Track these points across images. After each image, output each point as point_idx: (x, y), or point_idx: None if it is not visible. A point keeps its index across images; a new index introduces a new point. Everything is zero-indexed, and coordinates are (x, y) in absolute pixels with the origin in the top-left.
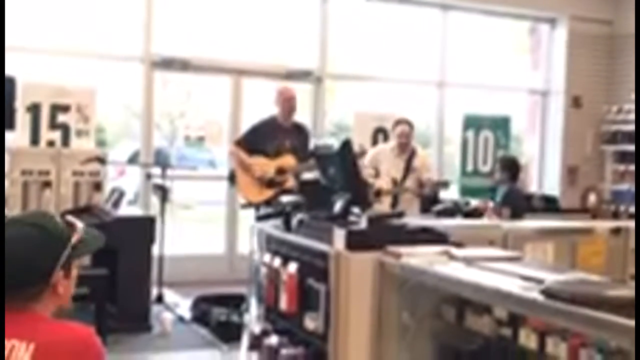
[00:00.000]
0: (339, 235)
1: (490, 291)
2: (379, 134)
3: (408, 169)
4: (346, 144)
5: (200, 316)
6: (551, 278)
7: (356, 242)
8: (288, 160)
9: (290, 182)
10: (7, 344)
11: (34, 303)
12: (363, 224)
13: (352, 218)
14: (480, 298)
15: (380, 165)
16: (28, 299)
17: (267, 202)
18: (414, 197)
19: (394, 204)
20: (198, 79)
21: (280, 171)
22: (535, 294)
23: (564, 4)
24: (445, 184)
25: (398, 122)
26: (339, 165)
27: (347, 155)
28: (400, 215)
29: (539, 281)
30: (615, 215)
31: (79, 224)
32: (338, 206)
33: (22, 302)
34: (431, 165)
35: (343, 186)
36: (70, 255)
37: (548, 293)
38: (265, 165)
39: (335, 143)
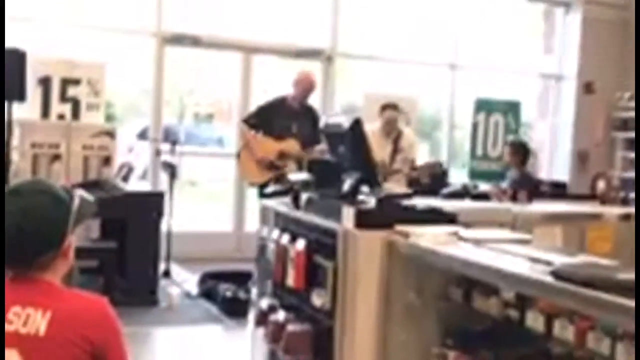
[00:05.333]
0: (348, 214)
1: (499, 272)
2: None
3: (395, 150)
4: (357, 123)
5: (207, 292)
6: (561, 260)
7: (365, 220)
8: (291, 145)
9: (291, 167)
10: (22, 313)
11: (47, 270)
12: (372, 203)
13: (361, 197)
14: (489, 279)
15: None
16: (42, 267)
17: (265, 185)
18: (403, 178)
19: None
20: (208, 56)
21: (282, 155)
22: (544, 276)
23: None
24: (439, 166)
25: (385, 107)
26: (349, 144)
27: (357, 133)
28: (410, 195)
29: (549, 263)
30: (625, 202)
31: (75, 190)
32: (347, 185)
33: (36, 271)
34: (417, 144)
35: (352, 165)
36: (76, 220)
37: (558, 275)
38: (268, 147)
39: (345, 121)
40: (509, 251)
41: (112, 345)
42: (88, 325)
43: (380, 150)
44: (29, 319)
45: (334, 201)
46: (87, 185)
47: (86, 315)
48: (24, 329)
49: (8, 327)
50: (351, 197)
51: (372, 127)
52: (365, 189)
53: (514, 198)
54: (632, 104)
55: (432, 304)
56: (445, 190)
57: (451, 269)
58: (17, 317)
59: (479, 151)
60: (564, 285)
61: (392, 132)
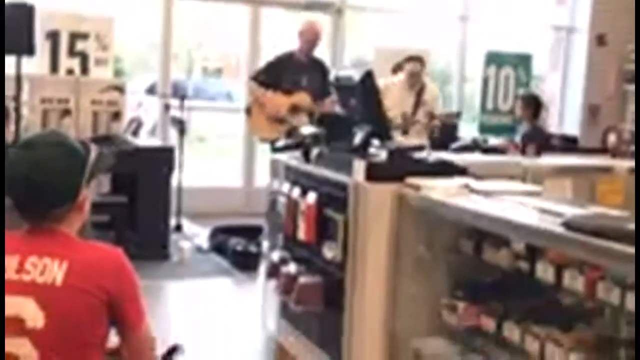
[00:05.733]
0: (359, 167)
1: (509, 223)
2: (399, 68)
3: (418, 102)
4: (368, 75)
5: (218, 246)
6: (571, 212)
7: (376, 173)
8: (303, 98)
9: (304, 121)
10: (39, 263)
11: (62, 222)
12: (383, 155)
13: (372, 150)
14: (499, 230)
15: (389, 99)
16: (57, 219)
17: (276, 140)
18: (424, 129)
19: (404, 135)
20: (216, 9)
21: (294, 109)
22: (555, 227)
23: None
24: (457, 115)
25: (409, 59)
26: (360, 97)
27: (368, 86)
28: (421, 148)
29: (559, 214)
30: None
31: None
32: (358, 138)
33: (51, 223)
34: (439, 98)
35: (364, 118)
36: (92, 172)
37: (569, 225)
38: (279, 102)
39: (356, 74)
40: (519, 203)
41: (128, 295)
42: (104, 275)
43: (402, 103)
44: (45, 269)
45: (345, 154)
46: (97, 140)
47: (102, 265)
48: (40, 278)
49: (25, 277)
50: (362, 150)
51: (395, 79)
52: (376, 142)
53: (523, 151)
54: None
55: (442, 256)
56: (455, 145)
57: (461, 221)
58: (34, 267)
59: (490, 105)
60: (575, 235)
61: (415, 84)
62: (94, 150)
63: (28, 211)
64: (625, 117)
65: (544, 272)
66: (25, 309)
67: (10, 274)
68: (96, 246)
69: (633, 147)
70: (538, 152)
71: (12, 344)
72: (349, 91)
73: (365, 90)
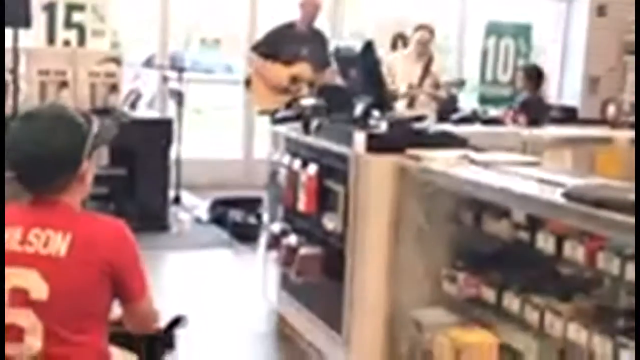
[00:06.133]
0: (359, 138)
1: (511, 194)
2: (399, 39)
3: (425, 73)
4: (369, 46)
5: (217, 218)
6: (572, 182)
7: (376, 144)
8: (303, 69)
9: (305, 91)
10: (42, 235)
11: (64, 194)
12: (383, 127)
13: (372, 121)
14: (501, 201)
15: (396, 71)
16: (59, 191)
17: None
18: (430, 100)
19: (410, 106)
20: None
21: (295, 80)
22: (557, 197)
23: None
24: (462, 83)
25: (418, 28)
26: (361, 68)
27: (369, 57)
28: (421, 119)
29: (560, 185)
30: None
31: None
32: (358, 109)
33: (53, 194)
34: (448, 70)
35: (364, 89)
36: (94, 144)
37: (570, 195)
38: (280, 73)
39: (357, 45)
40: (519, 173)
41: (131, 267)
42: (107, 247)
43: (409, 73)
44: (49, 241)
45: (345, 126)
46: (94, 112)
47: (105, 237)
48: (44, 250)
49: (28, 249)
50: (362, 121)
51: (403, 52)
52: (376, 113)
53: (514, 121)
54: None
55: (443, 227)
56: (454, 116)
57: (462, 191)
58: (37, 239)
59: (489, 76)
60: (576, 205)
61: (423, 54)
62: (95, 122)
63: (30, 183)
64: (625, 88)
65: (545, 242)
66: (29, 280)
67: (13, 245)
68: (99, 218)
69: (632, 118)
70: (533, 122)
71: (17, 316)
72: (349, 62)
73: (366, 61)
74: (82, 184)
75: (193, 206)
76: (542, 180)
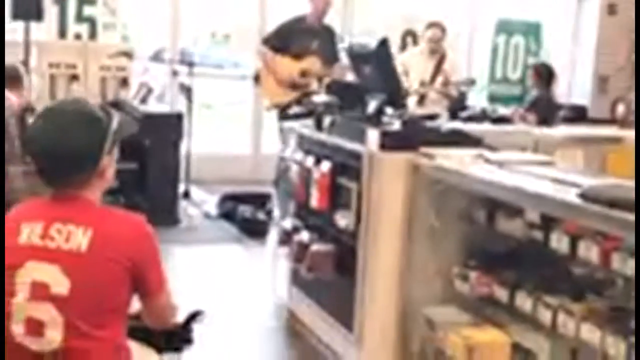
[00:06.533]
0: (373, 136)
1: (526, 193)
2: (408, 37)
3: (437, 71)
4: (383, 43)
5: (226, 213)
6: (587, 182)
7: (390, 142)
8: (313, 63)
9: (314, 85)
10: (64, 230)
11: (85, 189)
12: (397, 124)
13: (385, 119)
14: (515, 200)
15: (410, 69)
16: (80, 186)
17: (288, 106)
18: (441, 97)
19: (420, 103)
20: None
21: (304, 74)
22: (572, 197)
23: None
24: (472, 82)
25: (430, 25)
26: (375, 65)
27: (384, 54)
28: (434, 117)
29: (575, 185)
30: None
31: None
32: (372, 106)
33: (74, 189)
34: (459, 68)
35: (378, 86)
36: (114, 140)
37: (586, 196)
38: (289, 67)
39: (371, 42)
40: (533, 173)
41: (150, 263)
42: (128, 242)
43: (421, 71)
44: (70, 236)
45: (358, 123)
46: (105, 105)
47: (127, 233)
48: (66, 245)
49: (50, 243)
50: (376, 119)
51: (415, 50)
52: (389, 110)
53: (523, 119)
54: None
55: (456, 225)
56: (464, 114)
57: (476, 190)
58: (59, 234)
59: (499, 74)
60: (591, 206)
61: (436, 51)
62: (116, 117)
63: (51, 178)
64: (632, 87)
65: (558, 242)
66: (50, 274)
67: (35, 239)
68: (120, 213)
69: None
70: (542, 121)
71: (37, 310)
72: (363, 59)
73: (380, 58)
74: (102, 179)
75: (202, 201)
76: (556, 180)
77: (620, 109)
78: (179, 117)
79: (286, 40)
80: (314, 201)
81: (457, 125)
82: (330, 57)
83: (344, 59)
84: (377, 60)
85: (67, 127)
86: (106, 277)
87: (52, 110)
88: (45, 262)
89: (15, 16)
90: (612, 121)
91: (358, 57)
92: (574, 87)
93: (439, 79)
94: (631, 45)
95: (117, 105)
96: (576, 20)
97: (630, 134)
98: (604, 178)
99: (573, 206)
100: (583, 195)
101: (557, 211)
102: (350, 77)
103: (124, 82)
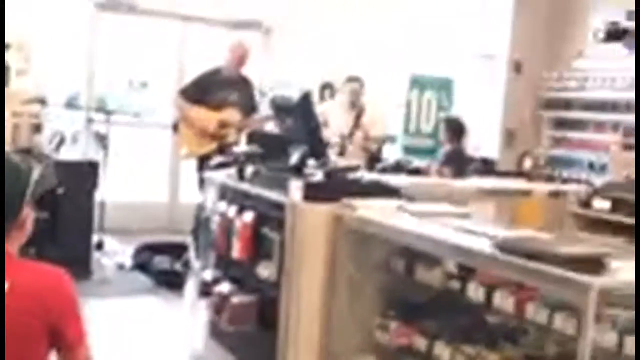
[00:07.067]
0: (296, 186)
1: (444, 244)
2: (326, 89)
3: (356, 124)
4: (306, 97)
5: (142, 264)
6: (501, 234)
7: (312, 193)
8: (231, 114)
9: (232, 137)
10: None
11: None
12: (320, 175)
13: (307, 170)
14: (434, 251)
15: (329, 120)
16: None
17: (207, 156)
18: (360, 151)
19: (340, 155)
20: (144, 23)
21: (223, 125)
22: (488, 248)
23: None
24: (391, 139)
25: (349, 80)
26: (298, 117)
27: (306, 107)
28: (356, 169)
29: (490, 236)
30: (550, 179)
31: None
32: (295, 157)
33: None
34: (380, 121)
35: (300, 137)
36: (34, 192)
37: (501, 247)
38: (208, 118)
39: (294, 95)
40: (451, 224)
41: (69, 315)
42: (46, 296)
43: (340, 123)
44: None
45: (281, 173)
46: (17, 153)
47: (45, 285)
48: None
49: None
50: (298, 169)
51: (335, 102)
52: (311, 162)
53: (440, 173)
54: (560, 84)
55: (377, 275)
56: (379, 165)
57: (396, 240)
58: None
59: (412, 127)
60: (507, 257)
61: (355, 105)
62: (36, 169)
63: None
64: (540, 141)
65: (475, 291)
66: None
67: None
68: (37, 265)
69: (548, 171)
70: (457, 175)
71: None
72: (286, 111)
73: (303, 111)
74: (21, 230)
75: (116, 252)
76: (472, 231)
77: (528, 162)
78: (93, 165)
79: (204, 91)
80: (236, 252)
81: (377, 176)
82: (248, 108)
83: (262, 109)
84: (300, 113)
85: None
86: (23, 330)
87: None
88: None
89: None
90: (519, 174)
91: (281, 109)
92: (483, 140)
93: (358, 133)
94: (536, 101)
95: (29, 152)
96: (485, 77)
97: (537, 186)
98: (517, 229)
99: (490, 257)
100: (499, 246)
101: (475, 262)
102: (268, 127)
103: (37, 129)
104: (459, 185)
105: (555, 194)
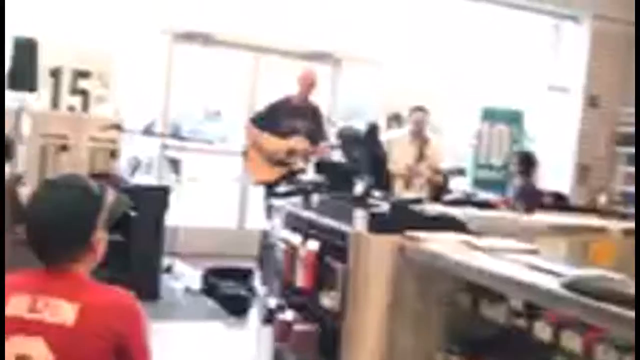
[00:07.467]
0: (361, 217)
1: (511, 281)
2: (393, 120)
3: (421, 155)
4: (373, 128)
5: (209, 288)
6: (571, 272)
7: (377, 224)
8: (299, 142)
9: (300, 165)
10: (51, 303)
11: (76, 263)
12: (385, 207)
13: (373, 201)
14: (500, 288)
15: (393, 151)
16: (71, 260)
17: (274, 183)
18: (426, 184)
19: (406, 188)
20: (218, 54)
21: (291, 153)
22: (556, 286)
23: (588, 3)
24: (460, 172)
25: (414, 110)
26: (364, 148)
27: (373, 139)
28: (420, 201)
29: (559, 274)
30: (624, 217)
31: (109, 187)
32: (360, 188)
33: (65, 263)
34: (443, 154)
35: (366, 168)
36: (107, 216)
37: (570, 286)
38: (276, 145)
39: (361, 126)
40: (519, 260)
41: (137, 340)
42: (115, 318)
43: (405, 155)
44: (57, 310)
45: (347, 203)
46: (94, 177)
47: (114, 308)
48: (52, 319)
49: (35, 316)
50: (363, 200)
51: (399, 132)
52: (377, 193)
53: (512, 208)
54: (634, 119)
55: (440, 309)
56: (447, 197)
57: (461, 275)
58: (46, 307)
59: (482, 160)
60: (575, 296)
61: (418, 135)
62: (110, 194)
63: (44, 251)
64: (615, 177)
65: (542, 330)
66: (34, 349)
67: (22, 312)
68: (108, 288)
69: (623, 208)
70: (529, 209)
71: None
72: (353, 142)
73: (369, 142)
74: (93, 253)
75: (184, 275)
76: (541, 269)
77: (602, 198)
78: (165, 190)
79: (274, 119)
80: (300, 280)
81: (443, 209)
82: (316, 137)
83: (330, 138)
84: (366, 144)
85: (63, 201)
86: (91, 353)
87: (50, 183)
88: (31, 335)
89: (11, 86)
90: (593, 210)
91: (348, 139)
92: (555, 174)
93: (424, 164)
94: (611, 136)
95: (106, 176)
96: (558, 110)
97: (612, 224)
98: (588, 268)
99: (557, 296)
100: (567, 285)
101: (542, 300)
102: (336, 156)
103: (113, 154)
104: (529, 220)
105: (629, 232)
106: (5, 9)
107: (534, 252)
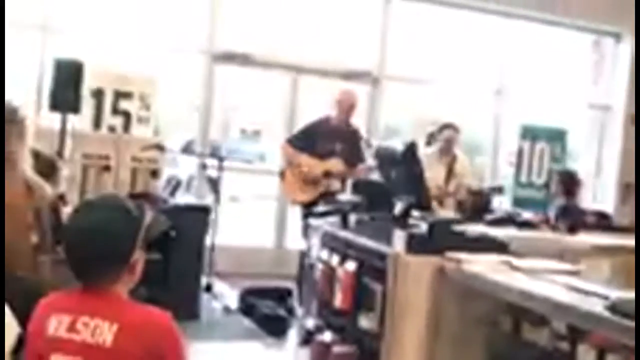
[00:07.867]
0: (400, 237)
1: (553, 303)
2: (432, 138)
3: (450, 174)
4: (411, 147)
5: (247, 308)
6: (615, 294)
7: (416, 245)
8: (336, 164)
9: (336, 186)
10: (90, 323)
11: (114, 283)
12: (424, 227)
13: (411, 221)
14: (542, 310)
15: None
16: (110, 280)
17: (311, 203)
18: (456, 202)
19: (441, 206)
20: (257, 74)
21: (327, 174)
22: (600, 309)
23: (629, 19)
24: (499, 190)
25: (445, 127)
26: (403, 168)
27: (411, 158)
28: (461, 221)
29: (602, 296)
30: None
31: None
32: (399, 208)
33: (104, 283)
34: (470, 171)
35: (404, 188)
36: (145, 237)
37: (614, 309)
38: (313, 166)
39: (398, 145)
40: (560, 282)
41: (172, 359)
42: (153, 338)
43: (434, 174)
44: (96, 330)
45: (385, 223)
46: (135, 197)
47: (151, 328)
48: (91, 339)
49: (75, 337)
50: (402, 220)
51: (427, 150)
52: (415, 213)
53: (555, 227)
54: None
55: (481, 331)
56: (489, 217)
57: (502, 297)
58: (85, 327)
59: (523, 178)
60: (621, 319)
61: (449, 152)
62: (149, 214)
63: (81, 271)
64: None
65: (585, 354)
66: None
67: (61, 332)
68: (146, 309)
69: None
70: (571, 230)
71: None
72: (390, 161)
73: (407, 162)
74: (131, 274)
75: (224, 295)
76: (583, 291)
77: None
78: (205, 209)
79: (311, 140)
80: (338, 301)
81: (483, 229)
82: (353, 159)
83: (368, 159)
84: (404, 164)
85: (101, 222)
86: None
87: (89, 204)
88: (70, 355)
89: (53, 107)
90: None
91: (385, 159)
92: (597, 193)
93: (452, 182)
94: None
95: (146, 196)
96: (601, 129)
97: None
98: (631, 290)
99: (601, 319)
100: (611, 308)
101: (584, 323)
102: (374, 176)
103: (154, 174)
104: (571, 240)
105: None
106: (49, 31)
107: (575, 273)
